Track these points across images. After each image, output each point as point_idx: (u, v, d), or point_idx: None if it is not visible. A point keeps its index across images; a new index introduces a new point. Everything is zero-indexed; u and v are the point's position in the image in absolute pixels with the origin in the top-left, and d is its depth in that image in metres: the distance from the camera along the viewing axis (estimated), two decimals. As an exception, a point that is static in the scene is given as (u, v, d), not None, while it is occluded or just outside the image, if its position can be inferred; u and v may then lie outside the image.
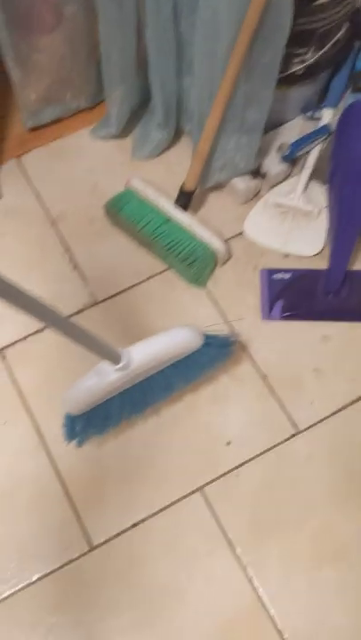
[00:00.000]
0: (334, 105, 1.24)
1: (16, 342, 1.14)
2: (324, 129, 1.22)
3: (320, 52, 1.12)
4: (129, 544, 1.00)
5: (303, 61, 1.12)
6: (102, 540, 1.00)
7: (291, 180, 1.25)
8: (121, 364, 0.86)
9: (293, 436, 1.07)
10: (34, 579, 0.98)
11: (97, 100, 1.34)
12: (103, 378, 0.88)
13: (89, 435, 1.02)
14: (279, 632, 0.95)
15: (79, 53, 1.20)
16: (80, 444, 1.03)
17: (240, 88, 1.02)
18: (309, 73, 1.16)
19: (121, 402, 0.97)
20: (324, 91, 1.26)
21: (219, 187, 1.26)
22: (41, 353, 1.13)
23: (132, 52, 1.16)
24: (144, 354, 0.90)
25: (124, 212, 1.18)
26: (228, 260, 1.20)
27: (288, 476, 1.04)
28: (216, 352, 1.02)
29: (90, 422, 0.98)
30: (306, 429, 1.07)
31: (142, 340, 0.92)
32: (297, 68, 1.13)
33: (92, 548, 1.00)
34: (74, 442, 1.01)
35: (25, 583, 0.98)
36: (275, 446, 1.06)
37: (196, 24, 0.98)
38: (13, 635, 0.95)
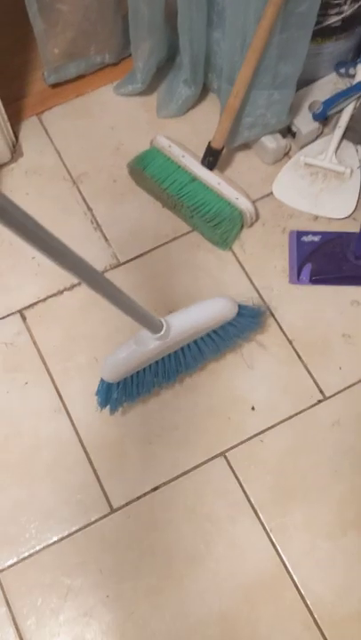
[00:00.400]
0: (370, 61, 1.19)
1: (36, 303, 1.12)
2: (359, 86, 1.17)
3: (358, 4, 1.07)
4: (150, 507, 0.98)
5: (340, 13, 1.07)
6: (123, 502, 0.99)
7: (322, 140, 1.21)
8: (160, 333, 0.87)
9: (320, 401, 1.04)
10: (53, 540, 0.97)
11: (122, 56, 1.30)
12: (143, 346, 0.89)
13: (122, 402, 1.01)
14: (302, 597, 0.93)
15: (105, 4, 1.15)
16: (112, 411, 1.01)
17: (274, 39, 0.98)
18: (346, 26, 1.11)
19: (155, 370, 0.97)
20: (360, 46, 1.20)
21: (247, 146, 1.22)
22: (60, 315, 1.11)
23: (160, 4, 1.11)
24: (182, 323, 0.91)
25: (149, 170, 1.15)
26: (255, 221, 1.16)
27: (313, 441, 1.02)
28: (248, 322, 1.01)
29: (124, 390, 0.97)
30: (333, 395, 1.04)
31: (180, 310, 0.93)
32: (333, 20, 1.08)
33: (113, 511, 0.98)
34: (106, 408, 1.00)
35: (44, 544, 0.96)
36: (301, 412, 1.03)
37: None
38: (32, 595, 0.94)
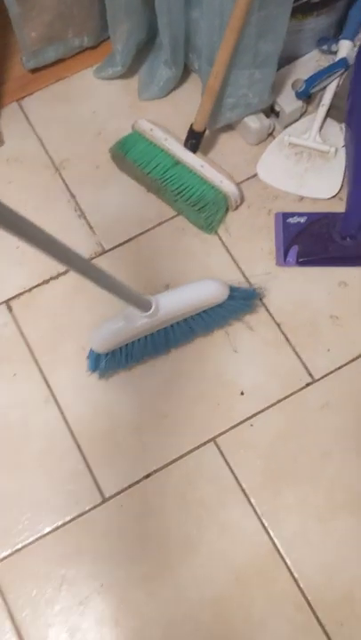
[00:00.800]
0: (352, 37, 1.16)
1: (22, 294, 1.11)
2: (342, 63, 1.14)
3: (338, -23, 1.05)
4: (142, 495, 0.98)
5: (320, -13, 1.05)
6: (114, 491, 0.99)
7: (306, 119, 1.19)
8: (149, 312, 0.89)
9: (309, 384, 1.04)
10: (46, 531, 0.97)
11: (101, 38, 1.27)
12: (130, 323, 0.92)
13: (110, 370, 1.03)
14: (295, 580, 0.93)
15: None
16: (101, 377, 1.03)
17: (253, 17, 0.95)
18: (326, 1, 1.08)
19: (144, 342, 1.00)
20: (342, 21, 1.18)
21: (230, 127, 1.20)
22: (47, 304, 1.10)
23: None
24: (171, 303, 0.93)
25: (131, 155, 1.13)
26: (240, 204, 1.15)
27: (303, 425, 1.01)
28: (239, 304, 1.03)
29: (113, 359, 1.00)
30: (322, 378, 1.04)
31: (171, 290, 0.95)
32: (313, -6, 1.06)
33: (105, 500, 0.98)
34: (95, 373, 1.04)
35: (38, 535, 0.97)
36: (290, 395, 1.03)
37: None
38: (27, 586, 0.94)
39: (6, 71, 1.28)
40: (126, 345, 0.99)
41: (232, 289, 1.00)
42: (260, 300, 1.08)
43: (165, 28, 1.11)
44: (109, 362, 1.00)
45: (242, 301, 1.03)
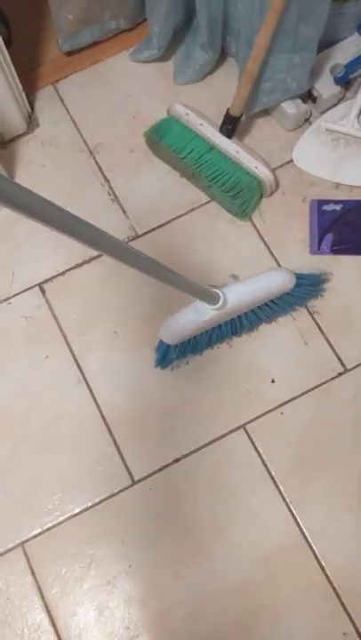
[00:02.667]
0: (394, 21, 1.14)
1: (55, 277, 1.12)
2: (383, 47, 1.12)
3: None
4: (171, 479, 0.99)
5: (363, -31, 1.02)
6: (144, 474, 1.00)
7: (344, 105, 1.17)
8: (218, 305, 0.89)
9: (341, 374, 1.03)
10: (76, 511, 0.98)
11: (137, 21, 1.26)
12: (199, 316, 0.92)
13: (176, 361, 1.04)
14: (322, 568, 0.93)
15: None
16: (164, 368, 1.04)
17: (294, -1, 0.94)
18: (369, -17, 1.06)
19: (210, 333, 1.01)
20: (384, 5, 1.15)
21: (266, 112, 1.18)
22: (80, 287, 1.11)
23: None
24: (239, 296, 0.94)
25: (166, 140, 1.12)
26: (275, 190, 1.14)
27: (334, 414, 1.01)
28: (306, 290, 1.03)
29: (181, 351, 1.01)
30: (354, 368, 1.03)
31: (239, 282, 0.95)
32: (356, -23, 1.03)
33: (134, 483, 0.99)
34: (160, 366, 1.05)
35: (68, 515, 0.98)
36: (321, 384, 1.03)
37: None
38: (57, 565, 0.96)
39: (42, 54, 1.28)
40: (194, 337, 1.00)
41: (298, 276, 1.00)
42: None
43: (203, 10, 1.10)
44: (178, 354, 1.01)
45: (309, 287, 1.04)
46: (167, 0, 1.13)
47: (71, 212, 0.54)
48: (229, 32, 1.16)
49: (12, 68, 1.10)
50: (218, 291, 0.90)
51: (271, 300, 1.01)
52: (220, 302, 0.90)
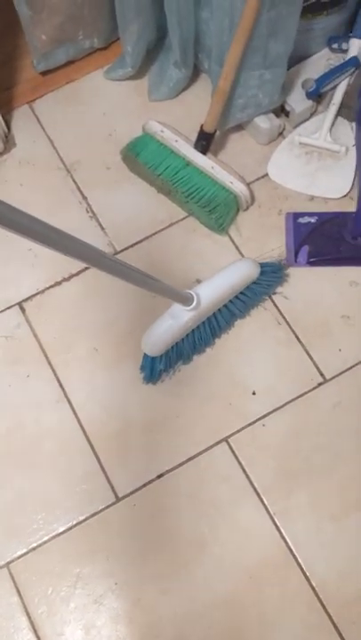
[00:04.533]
0: (363, 35, 1.16)
1: (34, 295, 1.12)
2: (353, 61, 1.14)
3: (348, -24, 1.04)
4: (154, 495, 0.99)
5: (330, -14, 1.05)
6: (128, 491, 1.00)
7: (316, 118, 1.19)
8: (192, 305, 0.91)
9: (320, 384, 1.04)
10: (61, 530, 0.98)
11: (110, 39, 1.28)
12: (178, 319, 0.94)
13: (163, 373, 1.05)
14: (308, 579, 0.94)
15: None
16: (155, 382, 1.05)
17: (263, 17, 0.96)
18: (336, 0, 1.08)
19: (191, 337, 1.03)
20: (352, 20, 1.17)
21: (240, 127, 1.20)
22: (59, 305, 1.11)
23: (146, -16, 1.09)
24: (211, 292, 0.96)
25: (142, 157, 1.13)
26: (250, 204, 1.15)
27: (315, 424, 1.02)
28: (271, 278, 1.06)
29: (167, 361, 1.02)
30: (333, 378, 1.04)
31: (207, 280, 0.97)
32: (323, -6, 1.06)
33: (118, 500, 0.99)
34: (150, 382, 1.05)
35: (52, 534, 0.98)
36: (301, 395, 1.03)
37: None
38: (43, 583, 0.96)
39: (17, 73, 1.29)
40: (176, 344, 1.01)
41: (262, 265, 1.03)
42: (271, 299, 1.09)
43: (175, 28, 1.11)
44: (164, 364, 1.02)
45: (272, 275, 1.06)
46: (139, 19, 1.14)
47: (51, 225, 0.55)
48: (201, 49, 1.18)
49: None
50: (190, 291, 0.93)
51: (241, 293, 1.03)
52: (195, 302, 0.92)
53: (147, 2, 1.12)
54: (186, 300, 0.92)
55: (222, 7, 0.97)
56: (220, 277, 0.97)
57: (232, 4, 0.95)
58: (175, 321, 0.94)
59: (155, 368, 1.02)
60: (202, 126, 1.11)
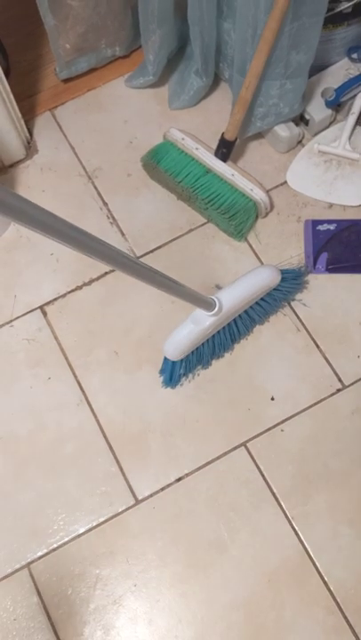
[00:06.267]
0: (382, 45, 1.18)
1: (56, 299, 1.14)
2: (372, 71, 1.16)
3: (369, -12, 1.06)
4: (174, 498, 1.00)
5: (351, -2, 1.06)
6: (147, 493, 1.01)
7: (335, 127, 1.20)
8: (214, 310, 0.92)
9: (339, 390, 1.05)
10: (81, 531, 0.99)
11: (132, 48, 1.30)
12: (200, 325, 0.95)
13: (182, 377, 1.07)
14: (325, 583, 0.95)
15: (114, -3, 1.15)
16: (174, 387, 1.06)
17: (285, 28, 0.97)
18: (357, 11, 1.09)
19: (211, 342, 1.04)
20: (372, 30, 1.19)
21: (259, 135, 1.22)
22: (80, 309, 1.13)
23: (170, -6, 1.11)
24: (233, 297, 0.96)
25: (163, 164, 1.15)
26: (270, 211, 1.16)
27: (333, 430, 1.03)
28: (291, 285, 1.07)
29: (187, 365, 1.04)
30: (352, 384, 1.05)
31: (228, 285, 0.97)
32: (345, 6, 1.07)
33: (137, 502, 1.00)
34: (170, 386, 1.07)
35: (73, 535, 0.99)
36: (320, 401, 1.04)
37: None
38: (63, 584, 0.97)
39: (40, 81, 1.31)
40: (196, 348, 1.02)
41: (282, 271, 1.03)
42: (290, 306, 1.10)
43: (197, 37, 1.13)
44: (184, 368, 1.04)
45: (293, 281, 1.07)
46: (161, 29, 1.16)
47: (79, 227, 0.58)
48: (223, 59, 1.19)
49: (11, 95, 1.13)
50: (212, 297, 0.94)
51: (261, 299, 1.04)
52: (217, 307, 0.93)
53: (169, 12, 1.14)
54: (208, 306, 0.93)
55: (246, 18, 0.99)
56: (242, 283, 0.98)
57: (255, 15, 0.97)
58: (197, 326, 0.95)
59: (175, 372, 1.03)
60: (223, 134, 1.12)
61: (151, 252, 1.16)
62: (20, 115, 1.18)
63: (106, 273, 1.14)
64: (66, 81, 1.30)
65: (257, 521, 0.99)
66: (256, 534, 0.98)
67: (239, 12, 1.00)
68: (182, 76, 1.25)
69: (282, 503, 0.99)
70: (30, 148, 1.25)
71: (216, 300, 0.93)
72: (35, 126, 1.27)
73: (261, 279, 0.99)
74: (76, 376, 1.08)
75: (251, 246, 1.15)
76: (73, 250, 0.60)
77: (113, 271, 1.13)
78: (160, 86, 1.28)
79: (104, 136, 1.25)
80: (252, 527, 0.98)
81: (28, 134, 1.24)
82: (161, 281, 0.78)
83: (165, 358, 1.02)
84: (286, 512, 0.98)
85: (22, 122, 1.20)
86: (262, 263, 1.14)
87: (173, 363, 1.01)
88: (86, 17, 1.17)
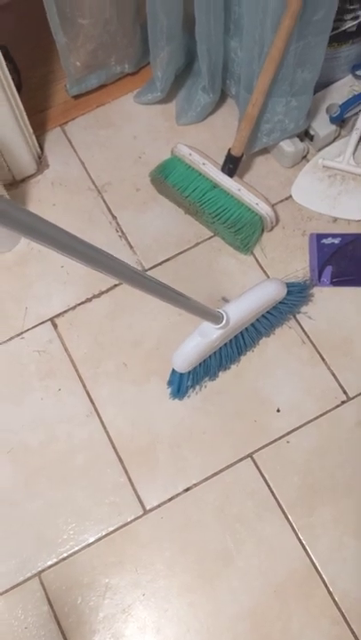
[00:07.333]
0: (386, 62, 1.20)
1: (66, 311, 1.16)
2: (376, 88, 1.18)
3: (373, 7, 1.08)
4: (181, 508, 1.02)
5: (356, 17, 1.08)
6: (155, 504, 1.03)
7: (340, 142, 1.22)
8: (222, 324, 0.94)
9: (344, 402, 1.07)
10: (91, 540, 1.01)
11: (141, 64, 1.32)
12: (207, 337, 0.97)
13: (190, 389, 1.09)
14: (330, 594, 0.96)
15: (125, 16, 1.18)
16: (181, 398, 1.08)
17: (291, 47, 0.99)
18: (361, 30, 1.12)
19: (218, 354, 1.06)
20: (376, 48, 1.21)
21: (265, 150, 1.24)
22: (90, 322, 1.15)
23: (178, 12, 1.13)
24: (240, 311, 0.98)
25: (170, 179, 1.17)
26: (275, 225, 1.18)
27: (339, 441, 1.04)
28: (297, 298, 1.09)
29: (194, 377, 1.05)
30: (356, 396, 1.07)
31: (236, 299, 0.99)
32: (349, 25, 1.09)
33: (146, 512, 1.02)
34: (177, 398, 1.09)
35: (82, 545, 1.01)
36: (325, 413, 1.06)
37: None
38: (72, 593, 0.99)
39: (50, 97, 1.33)
40: (203, 360, 1.04)
41: (288, 285, 1.05)
42: (295, 318, 1.12)
43: (204, 55, 1.15)
44: (192, 380, 1.06)
45: (298, 294, 1.09)
46: (170, 46, 1.19)
47: (88, 242, 0.61)
48: (229, 76, 1.22)
49: (24, 111, 1.15)
50: (220, 310, 0.95)
51: (267, 311, 1.06)
52: (224, 320, 0.95)
53: (177, 29, 1.17)
54: (215, 319, 0.95)
55: (253, 37, 1.01)
56: (249, 297, 1.00)
57: (262, 34, 0.99)
58: (204, 338, 0.97)
59: (182, 384, 1.05)
60: (229, 150, 1.14)
61: (159, 264, 1.18)
62: (31, 130, 1.20)
63: (115, 285, 1.17)
64: (76, 97, 1.32)
65: (263, 532, 1.00)
66: (262, 545, 0.99)
67: (246, 30, 1.02)
68: (190, 93, 1.27)
69: (288, 514, 1.01)
70: (41, 162, 1.27)
71: (223, 312, 0.95)
72: (45, 141, 1.29)
73: (268, 293, 1.01)
74: (85, 387, 1.10)
75: (257, 259, 1.17)
76: (83, 265, 0.62)
77: (122, 284, 1.16)
78: (168, 102, 1.31)
79: (113, 151, 1.28)
80: (258, 538, 1.00)
81: (39, 149, 1.26)
82: (169, 294, 0.80)
83: (173, 370, 1.04)
84: (292, 523, 1.00)
85: (33, 137, 1.23)
86: (268, 276, 1.16)
87: (181, 375, 1.03)
88: (96, 35, 1.19)
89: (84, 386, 1.10)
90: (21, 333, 1.14)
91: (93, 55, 1.23)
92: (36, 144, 1.25)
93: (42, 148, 1.28)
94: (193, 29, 1.13)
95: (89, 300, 1.16)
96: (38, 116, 1.31)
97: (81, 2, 1.11)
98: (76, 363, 1.12)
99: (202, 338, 0.97)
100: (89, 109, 1.32)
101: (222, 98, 1.29)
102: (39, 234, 0.55)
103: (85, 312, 1.16)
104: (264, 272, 1.16)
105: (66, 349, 1.13)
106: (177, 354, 0.99)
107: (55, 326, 1.15)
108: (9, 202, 0.50)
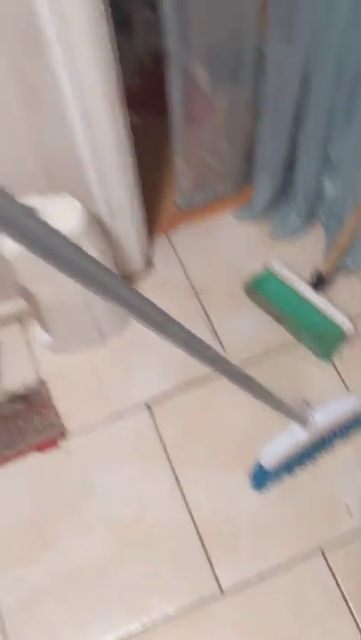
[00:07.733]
0: None
1: (161, 397, 1.29)
2: None
3: None
4: (256, 594, 1.11)
5: None
6: (232, 585, 1.12)
7: None
8: (310, 427, 1.03)
9: None
10: (171, 614, 1.10)
11: (240, 186, 1.51)
12: (295, 439, 1.06)
13: (270, 483, 1.18)
14: None
15: (236, 149, 1.37)
16: (261, 490, 1.18)
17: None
18: None
19: (299, 454, 1.14)
20: None
21: (349, 270, 1.38)
22: (182, 408, 1.28)
23: (284, 151, 1.31)
24: (326, 418, 1.07)
25: (263, 291, 1.33)
26: (355, 337, 1.31)
27: None
28: None
29: (276, 475, 1.15)
30: None
31: (322, 406, 1.08)
32: None
33: (222, 593, 1.12)
34: (258, 490, 1.19)
35: (163, 619, 1.10)
36: (394, 518, 1.15)
37: (348, 140, 1.13)
38: (150, 662, 1.08)
39: (160, 208, 1.53)
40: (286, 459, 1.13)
41: None
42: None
43: (301, 188, 1.33)
44: (274, 476, 1.15)
45: None
46: (271, 178, 1.37)
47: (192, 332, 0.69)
48: (322, 207, 1.38)
49: (141, 216, 1.33)
50: (309, 415, 1.04)
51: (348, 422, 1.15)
52: (312, 424, 1.03)
53: (280, 165, 1.35)
54: (302, 420, 1.04)
55: (349, 181, 1.18)
56: (336, 406, 1.10)
57: (357, 177, 1.15)
58: (293, 440, 1.07)
59: (265, 478, 1.16)
60: (317, 269, 1.29)
61: (246, 365, 1.32)
62: (144, 232, 1.38)
63: (208, 375, 1.29)
64: (181, 209, 1.51)
65: (330, 627, 1.08)
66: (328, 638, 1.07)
67: (342, 170, 1.19)
68: (284, 215, 1.44)
69: (353, 612, 1.08)
70: (148, 262, 1.45)
71: (311, 416, 1.05)
72: (153, 246, 1.48)
73: (353, 407, 1.11)
74: (173, 470, 1.22)
75: (336, 368, 1.30)
76: (185, 352, 0.69)
77: (214, 376, 1.29)
78: (263, 220, 1.48)
79: (211, 260, 1.45)
80: (325, 632, 1.07)
81: (147, 250, 1.44)
82: (262, 392, 0.89)
83: (259, 464, 1.14)
84: (358, 621, 1.07)
85: (145, 239, 1.41)
86: (346, 384, 1.28)
87: (267, 470, 1.14)
88: (210, 164, 1.39)
89: (173, 469, 1.22)
90: (121, 415, 1.28)
91: (203, 179, 1.43)
92: (146, 245, 1.43)
93: (150, 250, 1.46)
94: (293, 164, 1.31)
95: (184, 387, 1.30)
96: (148, 222, 1.49)
97: (201, 138, 1.31)
98: (166, 445, 1.25)
99: (291, 439, 1.07)
100: (192, 221, 1.50)
101: (313, 220, 1.46)
102: (151, 319, 0.60)
103: (179, 399, 1.29)
104: (342, 380, 1.28)
105: (158, 433, 1.26)
106: (266, 451, 1.10)
107: (150, 410, 1.28)
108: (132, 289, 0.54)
